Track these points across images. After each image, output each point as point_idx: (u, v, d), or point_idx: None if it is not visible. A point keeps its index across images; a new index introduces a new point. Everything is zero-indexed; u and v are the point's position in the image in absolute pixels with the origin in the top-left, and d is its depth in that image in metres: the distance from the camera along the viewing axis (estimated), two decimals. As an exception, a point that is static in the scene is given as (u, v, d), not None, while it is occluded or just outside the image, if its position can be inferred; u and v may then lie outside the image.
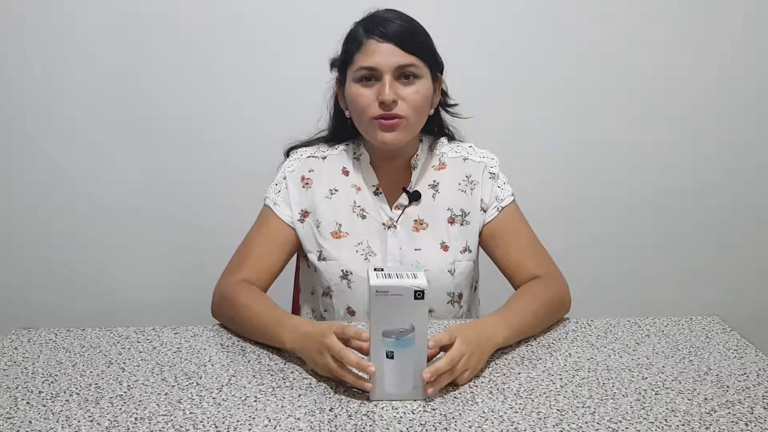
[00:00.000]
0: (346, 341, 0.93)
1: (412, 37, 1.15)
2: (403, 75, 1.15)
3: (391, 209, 1.25)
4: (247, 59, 1.86)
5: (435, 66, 1.20)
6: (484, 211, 1.26)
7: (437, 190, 1.26)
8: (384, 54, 1.13)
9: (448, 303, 1.24)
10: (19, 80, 1.86)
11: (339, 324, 0.95)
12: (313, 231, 1.24)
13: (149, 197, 1.95)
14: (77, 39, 1.83)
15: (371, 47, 1.14)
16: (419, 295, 0.86)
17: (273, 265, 1.22)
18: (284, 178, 1.26)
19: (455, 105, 1.29)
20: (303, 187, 1.25)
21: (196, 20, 1.83)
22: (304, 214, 1.25)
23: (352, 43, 1.17)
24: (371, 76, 1.15)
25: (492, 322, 1.03)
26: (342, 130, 1.28)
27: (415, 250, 1.22)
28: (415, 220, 1.24)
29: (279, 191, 1.26)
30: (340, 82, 1.23)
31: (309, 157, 1.28)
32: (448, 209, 1.25)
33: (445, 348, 0.94)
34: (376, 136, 1.17)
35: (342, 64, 1.20)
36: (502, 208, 1.25)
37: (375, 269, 0.89)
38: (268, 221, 1.24)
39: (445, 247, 1.23)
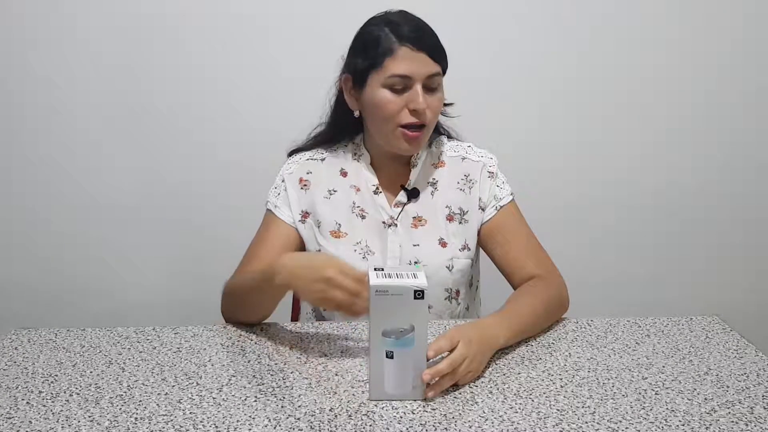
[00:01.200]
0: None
1: (439, 47, 1.17)
2: (429, 83, 1.15)
3: (391, 207, 1.25)
4: (247, 59, 1.86)
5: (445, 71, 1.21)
6: (483, 210, 1.26)
7: (436, 188, 1.26)
8: (419, 63, 1.13)
9: (445, 299, 1.24)
10: (19, 80, 1.86)
11: (339, 261, 0.96)
12: (314, 231, 1.25)
13: (149, 197, 1.95)
14: (77, 39, 1.83)
15: (407, 55, 1.13)
16: (419, 294, 0.86)
17: None
18: (283, 181, 1.28)
19: (450, 105, 1.29)
20: (301, 188, 1.26)
21: (196, 20, 1.83)
22: (305, 215, 1.25)
23: (382, 47, 1.14)
24: (403, 84, 1.14)
25: (493, 323, 1.03)
26: (343, 128, 1.28)
27: (414, 245, 1.23)
28: (414, 217, 1.25)
29: (278, 194, 1.27)
30: (356, 82, 1.20)
31: (308, 159, 1.29)
32: (447, 207, 1.26)
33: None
34: (400, 146, 1.18)
35: (366, 67, 1.17)
36: (501, 207, 1.26)
37: (375, 269, 0.89)
38: (270, 225, 1.26)
39: (443, 244, 1.24)
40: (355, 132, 1.27)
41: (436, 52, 1.15)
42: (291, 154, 1.32)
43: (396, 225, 1.24)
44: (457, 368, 0.92)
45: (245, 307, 1.14)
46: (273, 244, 1.23)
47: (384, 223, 1.24)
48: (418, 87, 1.13)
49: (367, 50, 1.17)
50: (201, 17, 1.83)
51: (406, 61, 1.13)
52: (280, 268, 1.01)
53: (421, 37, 1.14)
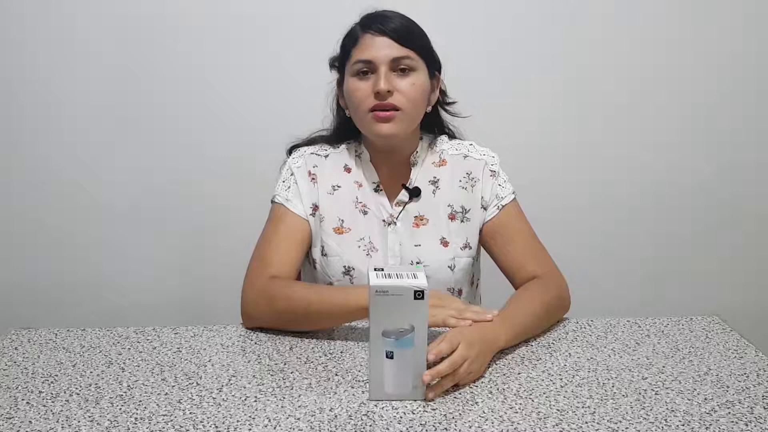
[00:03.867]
0: None
1: (407, 31, 1.17)
2: (399, 67, 1.16)
3: (391, 206, 1.25)
4: (247, 59, 1.86)
5: (431, 62, 1.21)
6: (485, 208, 1.26)
7: (437, 187, 1.26)
8: (379, 47, 1.15)
9: None
10: (19, 80, 1.86)
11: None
12: (319, 226, 1.24)
13: (149, 197, 1.95)
14: (77, 39, 1.83)
15: (367, 41, 1.16)
16: (419, 295, 0.86)
17: (298, 262, 1.22)
18: (292, 175, 1.26)
19: (453, 103, 1.30)
20: (311, 181, 1.26)
21: (196, 20, 1.83)
22: (315, 208, 1.25)
23: (349, 39, 1.20)
24: (367, 70, 1.16)
25: (493, 324, 1.03)
26: (345, 130, 1.28)
27: (415, 245, 1.23)
28: (416, 216, 1.25)
29: (289, 187, 1.25)
30: (340, 82, 1.24)
31: (311, 154, 1.28)
32: (449, 205, 1.26)
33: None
34: (372, 128, 1.18)
35: (340, 62, 1.22)
36: (503, 206, 1.25)
37: (375, 269, 0.89)
38: (283, 219, 1.23)
39: (444, 243, 1.24)
40: (358, 132, 1.27)
41: (402, 36, 1.16)
42: (291, 150, 1.32)
43: (395, 224, 1.24)
44: (457, 369, 0.92)
45: (299, 322, 1.11)
46: (290, 239, 1.21)
47: (384, 221, 1.24)
48: (382, 69, 1.15)
49: (342, 44, 1.22)
50: (201, 17, 1.83)
51: (367, 47, 1.16)
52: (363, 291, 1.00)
53: (383, 23, 1.16)
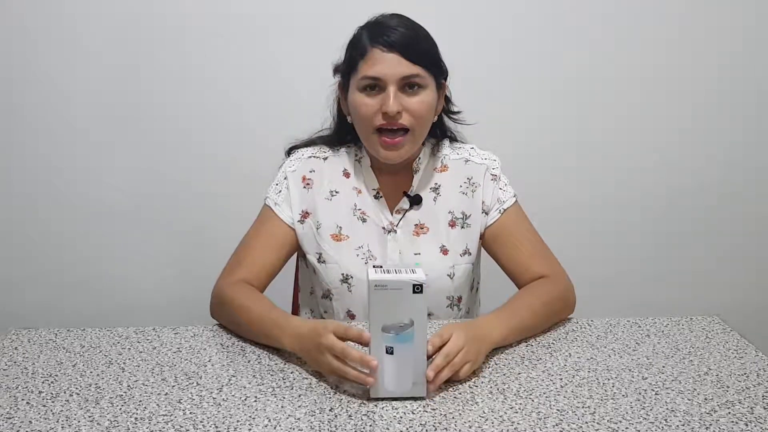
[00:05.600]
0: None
1: (417, 47, 1.13)
2: (408, 85, 1.13)
3: (391, 214, 1.24)
4: (247, 60, 1.86)
5: (439, 74, 1.19)
6: (486, 213, 1.25)
7: (438, 193, 1.25)
8: (388, 64, 1.12)
9: (447, 307, 1.23)
10: (19, 80, 1.86)
11: (336, 324, 0.94)
12: (313, 232, 1.23)
13: (149, 197, 1.95)
14: (77, 39, 1.83)
15: (376, 56, 1.12)
16: (418, 289, 0.86)
17: (271, 266, 1.21)
18: (285, 178, 1.25)
19: (459, 112, 1.28)
20: (304, 187, 1.24)
21: (196, 20, 1.83)
22: (305, 214, 1.24)
23: (356, 50, 1.15)
24: (375, 86, 1.13)
25: (488, 319, 1.04)
26: (345, 133, 1.27)
27: (415, 254, 1.22)
28: (416, 225, 1.24)
29: (280, 191, 1.25)
30: (344, 87, 1.21)
31: (310, 157, 1.27)
32: (449, 212, 1.25)
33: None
34: (379, 153, 1.17)
35: (346, 70, 1.19)
36: (505, 210, 1.25)
37: (374, 266, 0.90)
38: (268, 221, 1.23)
39: (444, 251, 1.23)
40: (357, 137, 1.25)
41: (412, 53, 1.12)
42: (290, 151, 1.31)
43: (395, 231, 1.23)
44: (452, 359, 0.91)
45: (242, 334, 1.11)
46: (269, 242, 1.22)
47: (384, 228, 1.23)
48: (391, 89, 1.11)
49: (348, 53, 1.18)
50: (201, 17, 1.82)
51: (376, 63, 1.12)
52: (287, 338, 1.00)
53: (394, 38, 1.12)
